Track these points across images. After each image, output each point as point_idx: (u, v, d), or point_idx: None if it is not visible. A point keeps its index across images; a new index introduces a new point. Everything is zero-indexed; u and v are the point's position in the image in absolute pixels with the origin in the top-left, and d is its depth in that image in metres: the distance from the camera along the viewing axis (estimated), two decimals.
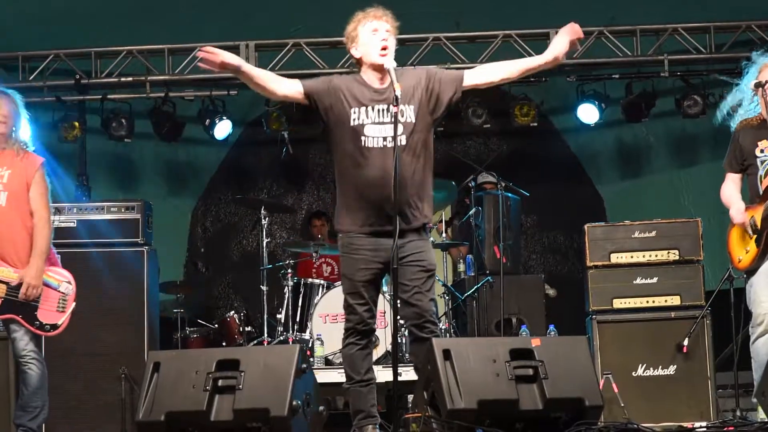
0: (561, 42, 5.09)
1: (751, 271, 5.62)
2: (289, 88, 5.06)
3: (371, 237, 5.04)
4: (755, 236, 5.58)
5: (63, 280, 5.81)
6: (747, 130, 5.74)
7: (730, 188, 5.82)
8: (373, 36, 5.00)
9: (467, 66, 8.93)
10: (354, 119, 4.99)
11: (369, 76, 5.07)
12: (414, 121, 5.01)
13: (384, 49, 4.98)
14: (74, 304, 5.82)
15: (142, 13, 9.06)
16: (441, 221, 8.61)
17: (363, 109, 5.00)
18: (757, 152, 5.66)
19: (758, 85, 5.56)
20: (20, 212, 5.66)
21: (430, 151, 5.12)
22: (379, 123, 4.98)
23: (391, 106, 4.88)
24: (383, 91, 5.00)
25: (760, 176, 5.64)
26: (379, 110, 4.99)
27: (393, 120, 4.85)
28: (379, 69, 5.01)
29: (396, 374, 4.80)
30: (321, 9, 9.14)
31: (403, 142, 4.95)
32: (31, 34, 8.88)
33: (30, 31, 8.85)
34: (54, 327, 5.75)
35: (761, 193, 5.61)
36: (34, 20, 8.75)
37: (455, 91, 5.09)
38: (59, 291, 5.78)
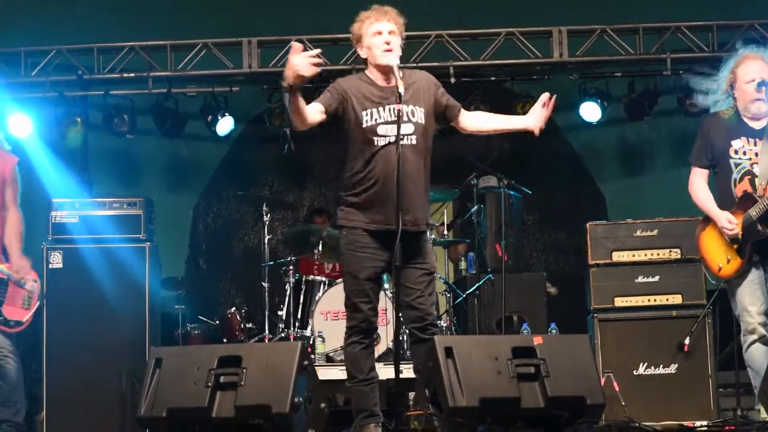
0: (539, 114, 5.22)
1: (734, 279, 5.53)
2: (316, 114, 4.99)
3: (376, 234, 5.04)
4: (736, 246, 5.47)
5: (29, 278, 5.80)
6: (719, 125, 5.57)
7: (704, 188, 5.62)
8: (376, 37, 5.02)
9: (469, 63, 9.02)
10: (366, 120, 5.01)
11: (375, 76, 5.10)
12: (424, 122, 5.04)
13: (387, 51, 4.99)
14: (38, 303, 5.81)
15: (144, 8, 9.06)
16: (442, 223, 8.59)
17: (375, 109, 5.02)
18: (731, 152, 5.50)
19: (762, 84, 5.47)
20: None
21: (430, 158, 5.16)
22: (390, 122, 4.99)
23: (395, 105, 4.89)
24: (391, 91, 5.00)
25: (735, 179, 5.50)
26: (390, 109, 5.00)
27: (397, 117, 4.87)
28: (384, 70, 5.03)
29: (398, 372, 4.80)
30: (323, 5, 9.14)
31: (413, 142, 4.99)
32: (34, 30, 8.87)
33: (32, 26, 8.84)
34: (17, 323, 5.76)
35: (737, 199, 5.48)
36: (35, 16, 8.75)
37: (450, 120, 5.23)
38: (25, 288, 5.76)
